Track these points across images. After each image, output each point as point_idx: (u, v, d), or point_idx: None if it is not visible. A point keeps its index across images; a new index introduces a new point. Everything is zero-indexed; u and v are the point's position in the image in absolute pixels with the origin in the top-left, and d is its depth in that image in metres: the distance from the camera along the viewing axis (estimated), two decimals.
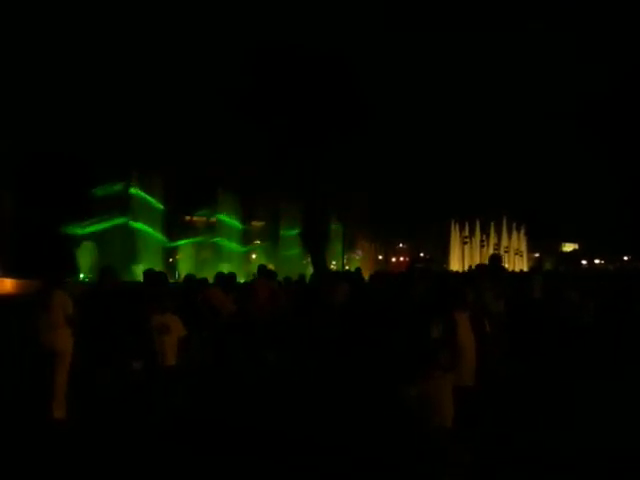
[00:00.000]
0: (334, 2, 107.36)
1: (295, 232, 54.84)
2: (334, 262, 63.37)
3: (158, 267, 26.75)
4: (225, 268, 30.13)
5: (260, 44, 41.08)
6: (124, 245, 46.52)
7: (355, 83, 39.74)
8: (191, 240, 53.57)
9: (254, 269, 22.67)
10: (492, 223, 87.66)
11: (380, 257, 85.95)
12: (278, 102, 39.19)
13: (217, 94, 56.68)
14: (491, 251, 73.91)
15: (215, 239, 54.16)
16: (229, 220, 54.96)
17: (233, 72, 54.35)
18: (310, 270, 39.91)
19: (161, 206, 49.56)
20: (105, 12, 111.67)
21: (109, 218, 47.68)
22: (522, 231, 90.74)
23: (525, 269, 68.44)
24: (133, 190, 48.47)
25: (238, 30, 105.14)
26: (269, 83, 39.37)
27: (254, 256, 60.00)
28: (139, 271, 32.71)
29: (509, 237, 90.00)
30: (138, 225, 48.49)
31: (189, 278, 14.20)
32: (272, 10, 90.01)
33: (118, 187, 48.07)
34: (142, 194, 48.66)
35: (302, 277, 19.24)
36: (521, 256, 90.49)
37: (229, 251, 54.14)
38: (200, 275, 15.97)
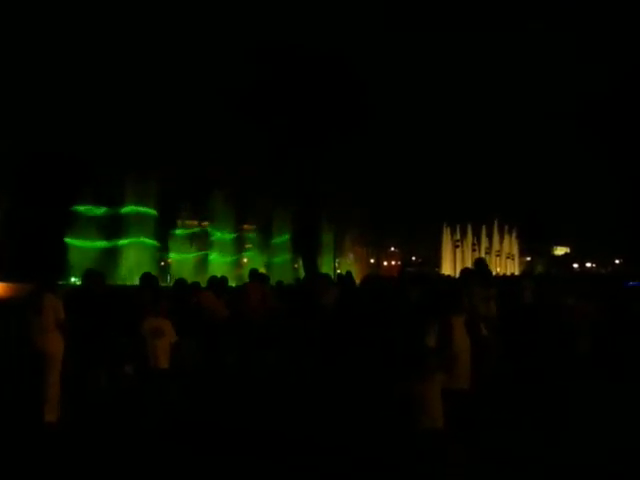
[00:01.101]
0: (334, 2, 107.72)
1: (286, 237, 54.83)
2: (325, 266, 63.32)
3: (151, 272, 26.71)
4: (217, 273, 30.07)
5: (260, 44, 40.96)
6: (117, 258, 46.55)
7: (354, 84, 39.68)
8: (186, 255, 53.32)
9: (245, 274, 22.66)
10: (483, 227, 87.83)
11: (372, 261, 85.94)
12: (278, 102, 39.09)
13: (217, 94, 56.64)
14: (483, 255, 74.08)
15: (207, 252, 53.99)
16: (221, 235, 54.81)
17: (233, 72, 54.41)
18: (302, 275, 39.90)
19: (154, 212, 49.41)
20: (105, 13, 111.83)
21: (104, 239, 47.59)
22: (514, 235, 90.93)
23: (517, 273, 68.62)
24: (128, 208, 48.30)
25: (238, 30, 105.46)
26: (269, 83, 39.29)
27: (245, 260, 59.92)
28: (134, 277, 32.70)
29: (500, 241, 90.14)
30: (131, 240, 48.37)
31: (180, 282, 14.17)
32: (272, 10, 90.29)
33: (111, 210, 47.97)
34: (135, 209, 48.46)
35: (297, 280, 19.25)
36: (512, 260, 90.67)
37: (222, 263, 54.02)
38: (192, 279, 15.96)
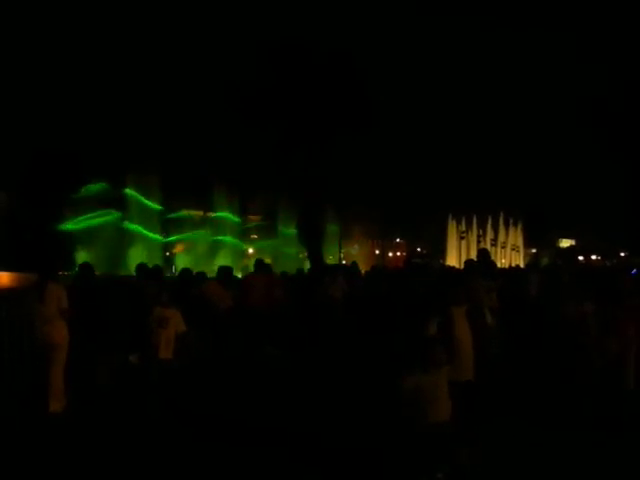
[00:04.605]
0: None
1: (293, 228, 54.93)
2: (331, 257, 63.39)
3: (155, 262, 26.80)
4: (222, 262, 30.12)
5: (265, 41, 40.89)
6: (119, 241, 46.69)
7: (359, 78, 39.55)
8: (188, 235, 53.67)
9: (251, 264, 22.69)
10: (489, 218, 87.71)
11: (377, 252, 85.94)
12: (282, 97, 38.98)
13: (222, 91, 56.59)
14: (488, 246, 73.99)
15: (215, 237, 54.31)
16: (228, 216, 55.16)
17: (238, 69, 54.42)
18: (307, 265, 39.88)
19: (157, 206, 49.62)
20: (107, 13, 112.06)
21: (103, 214, 47.71)
22: (519, 226, 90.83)
23: (522, 265, 68.52)
24: (128, 191, 48.46)
25: (242, 26, 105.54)
26: (275, 80, 39.17)
27: (251, 251, 60.06)
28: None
29: (506, 232, 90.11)
30: (133, 226, 48.55)
31: (185, 272, 14.17)
32: (277, 7, 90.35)
33: (110, 186, 48.07)
34: (137, 195, 48.65)
35: (300, 271, 19.23)
36: (518, 252, 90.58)
37: (227, 246, 54.32)
38: (197, 269, 15.96)
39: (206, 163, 57.75)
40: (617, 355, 10.04)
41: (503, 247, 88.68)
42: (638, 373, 10.03)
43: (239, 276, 21.14)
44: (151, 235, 49.86)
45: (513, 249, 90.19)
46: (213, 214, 55.73)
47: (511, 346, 11.13)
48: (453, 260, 76.43)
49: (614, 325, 10.07)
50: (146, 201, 49.22)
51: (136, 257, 43.17)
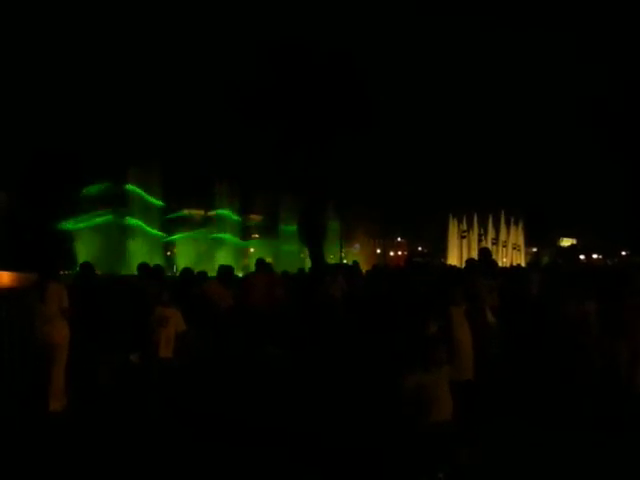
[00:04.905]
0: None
1: (294, 227, 54.91)
2: (332, 256, 63.37)
3: (156, 261, 26.83)
4: (223, 261, 30.12)
5: (265, 41, 40.87)
6: (119, 240, 46.65)
7: (359, 78, 39.54)
8: (189, 234, 53.68)
9: (252, 263, 22.68)
10: (490, 217, 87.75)
11: (378, 251, 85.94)
12: (283, 99, 38.98)
13: (222, 91, 56.59)
14: (489, 245, 73.99)
15: (213, 235, 54.32)
16: (228, 213, 55.18)
17: (238, 69, 54.52)
18: (308, 264, 39.88)
19: (159, 202, 49.63)
20: (107, 13, 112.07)
21: (103, 214, 47.65)
22: (520, 225, 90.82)
23: (523, 263, 68.42)
24: (129, 187, 48.45)
25: (242, 26, 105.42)
26: (275, 80, 39.16)
27: (252, 250, 60.02)
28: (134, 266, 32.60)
29: (507, 231, 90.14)
30: (133, 222, 48.50)
31: (185, 271, 14.18)
32: (277, 7, 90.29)
33: (112, 185, 48.01)
34: (138, 190, 48.65)
35: (301, 270, 19.21)
36: (519, 250, 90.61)
37: (227, 244, 54.32)
38: (197, 269, 15.97)
39: (206, 163, 57.81)
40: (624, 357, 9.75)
41: (504, 246, 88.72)
42: None
43: (240, 275, 21.15)
44: (152, 231, 49.85)
45: (514, 248, 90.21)
46: (214, 212, 55.69)
47: (511, 346, 11.11)
48: (454, 259, 76.42)
49: (623, 327, 9.73)
50: (148, 197, 49.23)
51: (137, 253, 43.18)
